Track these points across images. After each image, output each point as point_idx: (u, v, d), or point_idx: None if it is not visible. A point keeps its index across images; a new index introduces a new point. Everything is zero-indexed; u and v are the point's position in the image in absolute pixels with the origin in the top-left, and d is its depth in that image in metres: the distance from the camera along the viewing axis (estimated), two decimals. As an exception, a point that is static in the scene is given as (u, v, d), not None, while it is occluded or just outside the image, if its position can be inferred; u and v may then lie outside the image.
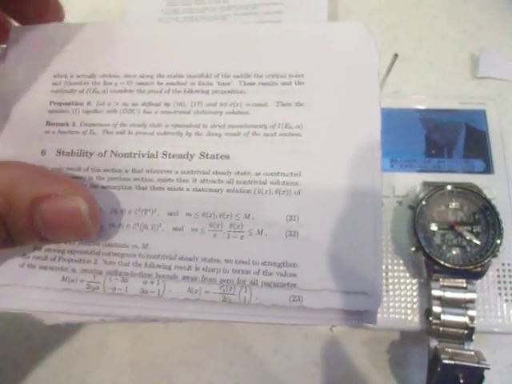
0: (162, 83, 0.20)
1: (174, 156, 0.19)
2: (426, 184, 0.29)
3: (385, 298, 0.29)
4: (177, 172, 0.19)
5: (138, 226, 0.18)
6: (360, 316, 0.17)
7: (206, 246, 0.18)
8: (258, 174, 0.19)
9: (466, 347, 0.27)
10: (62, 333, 0.32)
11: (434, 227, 0.28)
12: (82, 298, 0.18)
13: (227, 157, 0.19)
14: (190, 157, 0.19)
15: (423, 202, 0.28)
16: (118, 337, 0.32)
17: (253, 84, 0.20)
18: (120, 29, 0.21)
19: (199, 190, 0.19)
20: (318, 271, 0.17)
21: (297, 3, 0.36)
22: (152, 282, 0.18)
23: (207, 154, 0.19)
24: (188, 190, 0.19)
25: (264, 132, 0.19)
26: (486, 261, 0.27)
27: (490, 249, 0.27)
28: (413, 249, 0.28)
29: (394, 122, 0.33)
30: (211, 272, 0.18)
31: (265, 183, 0.18)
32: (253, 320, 0.18)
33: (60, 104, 0.20)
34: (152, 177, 0.19)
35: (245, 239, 0.18)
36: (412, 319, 0.28)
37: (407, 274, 0.29)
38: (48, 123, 0.20)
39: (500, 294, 0.29)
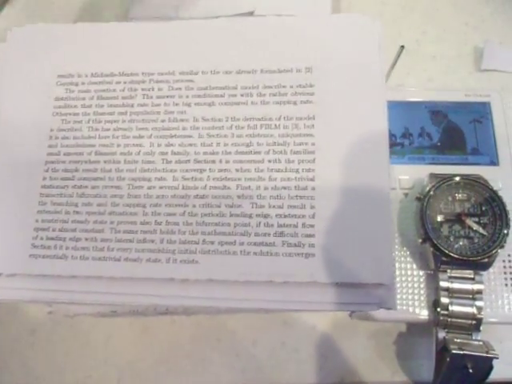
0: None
1: None
2: (432, 176, 0.29)
3: (392, 290, 0.29)
4: None
5: None
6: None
7: None
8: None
9: (473, 338, 0.27)
10: (67, 327, 0.32)
11: (441, 218, 0.28)
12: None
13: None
14: None
15: (431, 193, 0.28)
16: (124, 331, 0.32)
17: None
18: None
19: None
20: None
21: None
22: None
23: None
24: None
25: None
26: (494, 251, 0.27)
27: (497, 239, 0.27)
28: (420, 240, 0.28)
29: (399, 115, 0.33)
30: None
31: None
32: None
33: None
34: None
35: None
36: (419, 311, 0.28)
37: (414, 266, 0.29)
38: None
39: (506, 285, 0.29)
